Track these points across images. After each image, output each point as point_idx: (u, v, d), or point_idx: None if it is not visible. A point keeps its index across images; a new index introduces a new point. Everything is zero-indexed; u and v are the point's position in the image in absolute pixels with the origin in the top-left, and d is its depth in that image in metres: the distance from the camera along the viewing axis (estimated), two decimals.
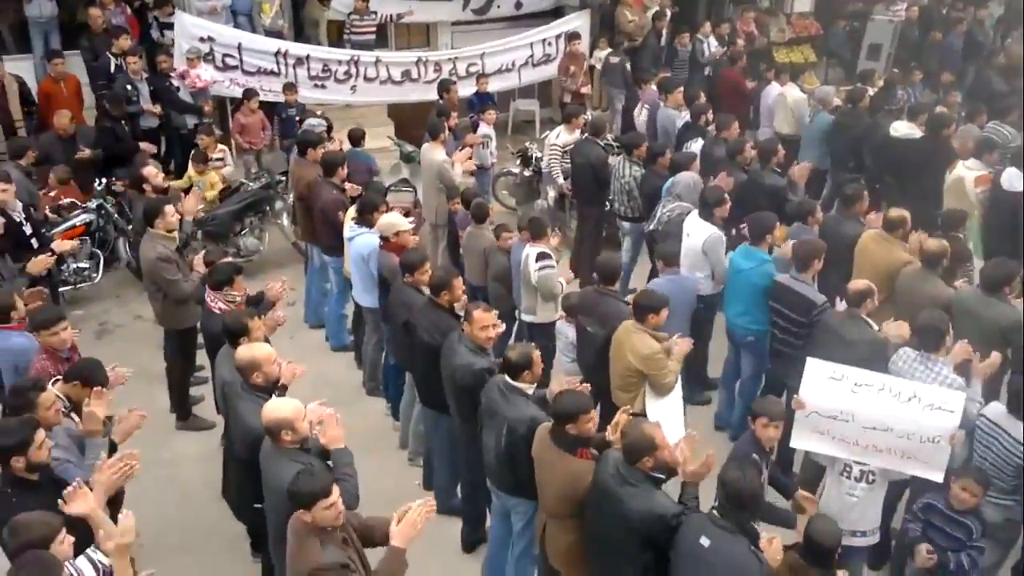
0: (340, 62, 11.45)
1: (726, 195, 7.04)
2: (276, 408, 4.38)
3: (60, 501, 4.01)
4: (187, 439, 7.05)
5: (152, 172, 7.67)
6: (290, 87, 10.45)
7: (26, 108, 9.80)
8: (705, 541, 4.01)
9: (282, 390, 5.03)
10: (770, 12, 14.53)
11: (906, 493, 5.59)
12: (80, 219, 8.74)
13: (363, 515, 4.31)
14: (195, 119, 10.41)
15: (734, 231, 7.24)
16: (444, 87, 10.26)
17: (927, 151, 8.56)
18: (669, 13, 12.87)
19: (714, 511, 4.18)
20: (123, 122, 9.61)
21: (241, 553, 5.82)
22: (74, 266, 8.64)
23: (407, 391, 6.77)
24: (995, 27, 14.45)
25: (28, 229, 7.35)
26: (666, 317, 5.70)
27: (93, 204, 8.92)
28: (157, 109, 10.12)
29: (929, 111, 9.23)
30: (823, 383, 5.12)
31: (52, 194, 8.82)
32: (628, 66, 12.11)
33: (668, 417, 5.47)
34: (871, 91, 10.03)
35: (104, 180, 9.17)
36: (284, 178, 9.71)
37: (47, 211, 8.50)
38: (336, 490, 3.87)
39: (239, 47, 10.94)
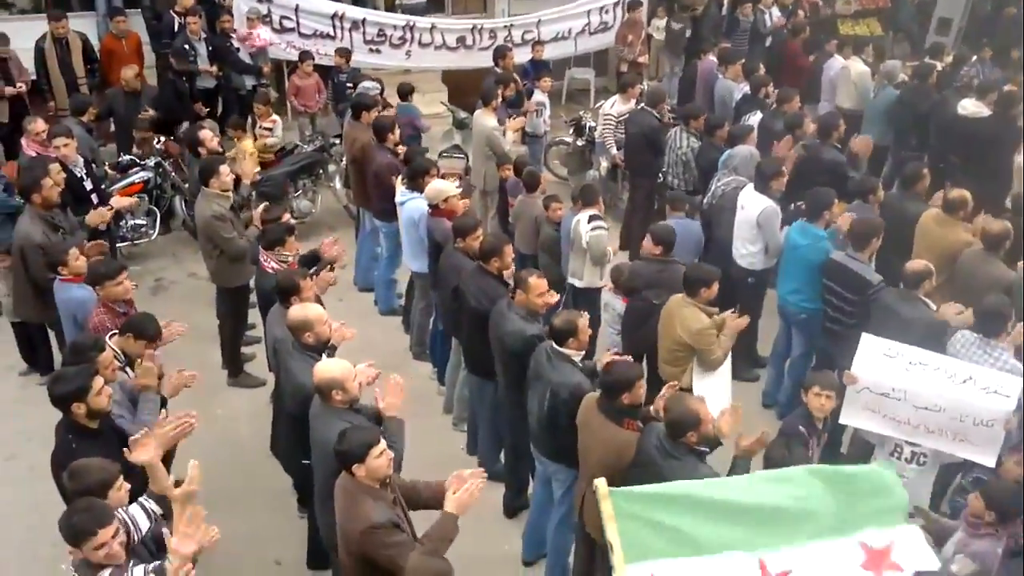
0: (395, 27, 11.43)
1: (783, 168, 6.91)
2: (328, 368, 4.44)
3: (125, 449, 4.12)
4: (238, 395, 7.19)
5: (208, 136, 7.75)
6: (342, 52, 10.46)
7: (88, 65, 9.95)
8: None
9: (332, 350, 5.09)
10: None
11: (956, 479, 5.49)
12: (138, 176, 8.90)
13: (406, 479, 4.36)
14: (253, 80, 10.51)
15: (792, 206, 7.10)
16: (500, 54, 10.19)
17: (995, 130, 8.29)
18: None
19: None
20: (183, 79, 9.73)
21: (288, 508, 5.95)
22: (132, 223, 8.81)
23: (452, 356, 6.82)
24: None
25: (88, 184, 7.52)
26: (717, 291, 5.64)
27: (151, 162, 9.07)
28: (215, 69, 10.23)
29: (999, 89, 8.92)
30: (877, 360, 5.05)
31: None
32: (688, 35, 11.89)
33: (715, 393, 5.42)
34: (939, 67, 9.72)
35: (163, 138, 9.31)
36: (338, 141, 9.76)
37: (107, 167, 8.67)
38: (383, 441, 3.92)
39: (296, 9, 10.98)
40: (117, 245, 8.26)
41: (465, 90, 11.37)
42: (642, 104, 8.98)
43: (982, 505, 4.19)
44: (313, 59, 10.46)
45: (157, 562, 3.66)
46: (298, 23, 11.01)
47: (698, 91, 10.32)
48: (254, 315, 7.20)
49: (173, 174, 9.14)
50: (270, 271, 5.95)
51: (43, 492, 4.77)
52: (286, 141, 9.90)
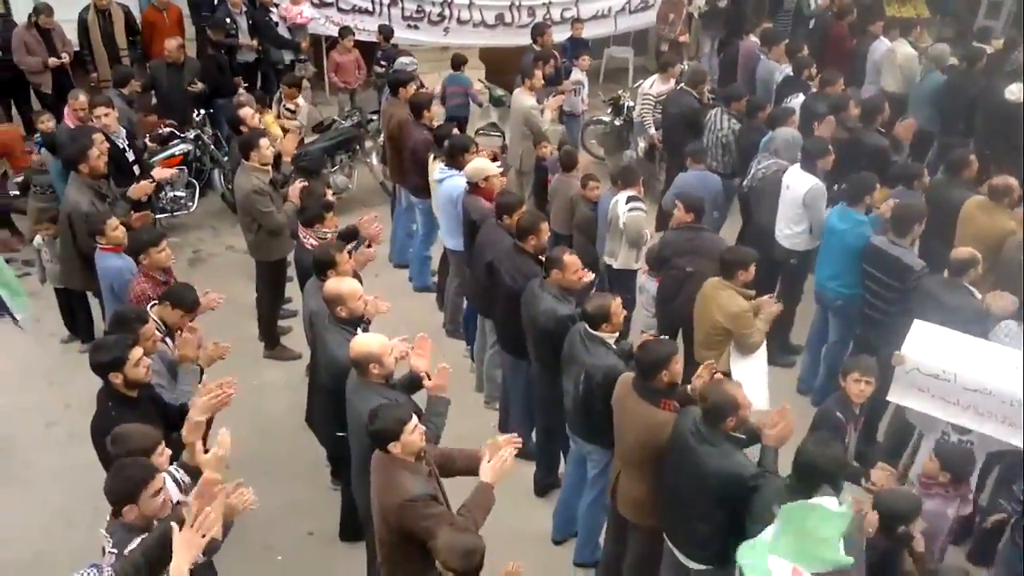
0: (434, 3, 11.37)
1: (829, 146, 6.81)
2: (365, 342, 4.46)
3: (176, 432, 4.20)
4: (273, 368, 7.26)
5: (248, 113, 7.77)
6: (384, 29, 10.40)
7: (130, 37, 10.02)
8: (776, 510, 3.93)
9: (366, 325, 5.11)
10: None
11: (994, 471, 5.41)
12: (178, 149, 8.98)
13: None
14: (291, 55, 10.52)
15: (836, 187, 7.00)
16: (538, 32, 10.10)
17: None
18: None
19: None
20: (223, 52, 9.78)
21: (321, 480, 6.02)
22: (171, 195, 8.90)
23: (479, 336, 6.83)
24: None
25: (130, 155, 7.60)
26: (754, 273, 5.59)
27: (191, 135, 9.14)
28: (255, 43, 10.26)
29: None
30: (927, 342, 5.04)
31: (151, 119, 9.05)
32: (730, 15, 11.72)
33: (751, 378, 5.38)
34: (988, 51, 9.49)
35: (203, 111, 9.37)
36: (375, 117, 9.77)
37: (148, 139, 8.75)
38: (414, 416, 3.95)
39: None
40: (156, 217, 8.34)
41: (503, 68, 11.31)
42: (681, 84, 8.88)
43: (937, 467, 4.42)
44: (353, 35, 10.46)
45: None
46: None
47: (739, 72, 10.17)
48: (292, 289, 7.26)
49: (212, 147, 9.21)
50: (309, 247, 5.98)
51: (82, 458, 4.86)
52: (325, 116, 9.92)
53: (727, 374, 5.33)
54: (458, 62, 9.70)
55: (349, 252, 5.65)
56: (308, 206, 6.29)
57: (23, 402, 6.66)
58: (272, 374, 7.18)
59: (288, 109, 9.25)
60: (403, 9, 11.25)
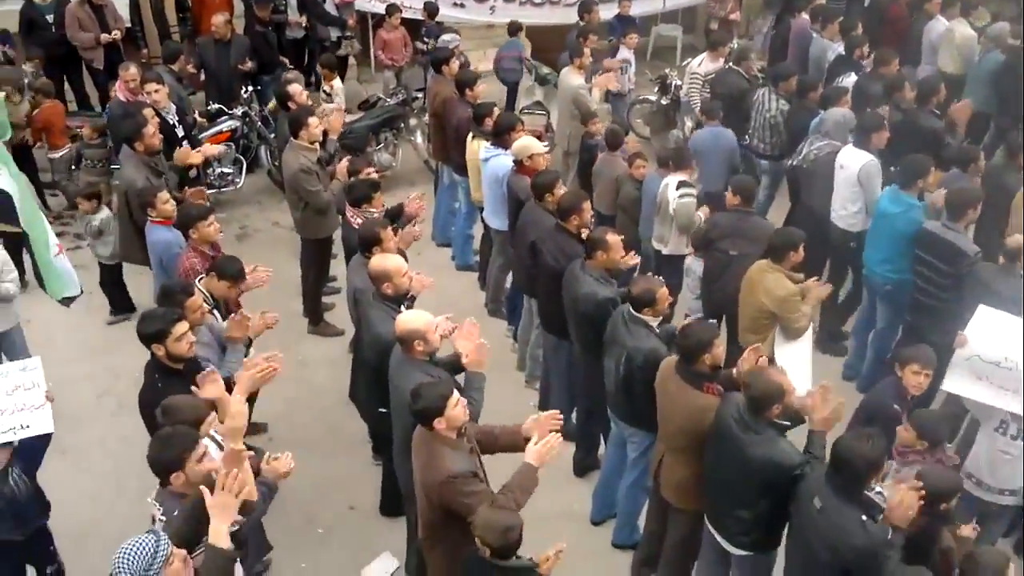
0: None
1: (885, 121, 6.66)
2: (411, 319, 4.49)
3: (193, 386, 4.26)
4: (317, 343, 7.34)
5: (297, 90, 7.80)
6: (430, 7, 10.38)
7: (180, 14, 10.12)
8: (817, 502, 3.88)
9: (411, 302, 5.14)
10: None
11: None
12: (226, 125, 9.06)
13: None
14: (339, 32, 10.54)
15: (891, 169, 6.84)
16: (586, 9, 9.99)
17: None
18: None
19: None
20: (271, 29, 9.82)
21: (363, 455, 6.08)
22: (219, 171, 8.99)
23: (524, 315, 6.82)
24: None
25: (180, 131, 7.69)
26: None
27: (239, 111, 9.21)
28: (303, 20, 10.29)
29: None
30: (990, 329, 4.92)
31: None
32: None
33: (796, 363, 5.30)
34: None
35: (250, 88, 9.44)
36: (420, 95, 9.76)
37: (197, 115, 8.84)
38: (456, 391, 3.99)
39: None
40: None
41: (548, 46, 11.20)
42: (730, 64, 8.72)
43: (913, 435, 4.42)
44: (400, 12, 10.43)
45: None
46: None
47: (791, 50, 9.96)
48: (336, 267, 7.32)
49: (260, 124, 9.28)
50: (356, 227, 6.00)
51: (131, 429, 4.97)
52: (370, 94, 9.93)
53: (771, 359, 5.27)
54: (514, 28, 10.06)
55: (394, 230, 5.67)
56: (356, 185, 6.31)
57: (74, 373, 6.82)
58: (315, 350, 7.25)
59: (324, 92, 9.28)
60: None
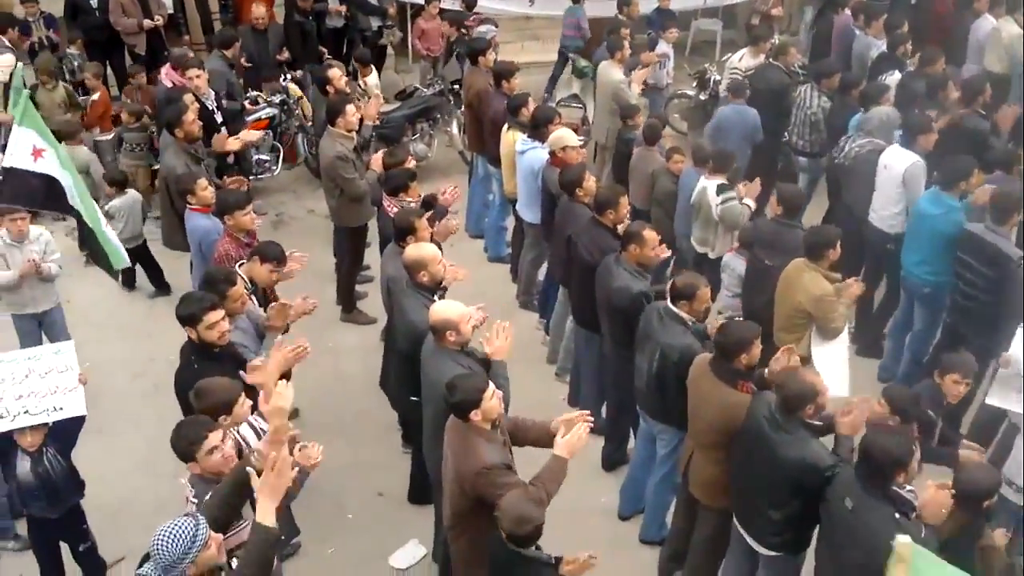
0: None
1: (933, 124, 6.54)
2: (444, 309, 4.51)
3: (242, 372, 4.31)
4: (349, 331, 7.38)
5: (336, 75, 7.83)
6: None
7: (222, 1, 10.19)
8: (849, 503, 3.84)
9: (443, 292, 5.14)
10: None
11: None
12: (264, 112, 9.11)
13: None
14: (379, 20, 10.55)
15: (933, 173, 6.72)
16: (625, 2, 9.90)
17: None
18: None
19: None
20: (311, 18, 9.86)
21: (392, 442, 6.11)
22: (256, 158, 9.06)
23: (558, 307, 6.80)
24: None
25: (219, 117, 7.74)
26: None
27: (277, 99, 9.27)
28: (343, 9, 10.32)
29: None
30: None
31: None
32: None
33: (832, 364, 5.24)
34: None
35: (289, 76, 9.50)
36: (457, 86, 9.76)
37: (245, 102, 8.89)
38: (491, 383, 4.01)
39: None
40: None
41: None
42: (770, 60, 8.61)
43: (886, 411, 4.43)
44: (439, 1, 10.43)
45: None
46: None
47: (834, 47, 9.81)
48: (370, 255, 7.34)
49: (297, 111, 9.33)
50: (391, 216, 6.01)
51: (166, 409, 5.03)
52: (407, 83, 9.94)
53: (806, 359, 5.21)
54: None
55: (429, 220, 5.68)
56: (394, 174, 6.33)
57: (111, 353, 6.92)
58: (348, 337, 7.30)
59: (360, 86, 9.20)
60: None
